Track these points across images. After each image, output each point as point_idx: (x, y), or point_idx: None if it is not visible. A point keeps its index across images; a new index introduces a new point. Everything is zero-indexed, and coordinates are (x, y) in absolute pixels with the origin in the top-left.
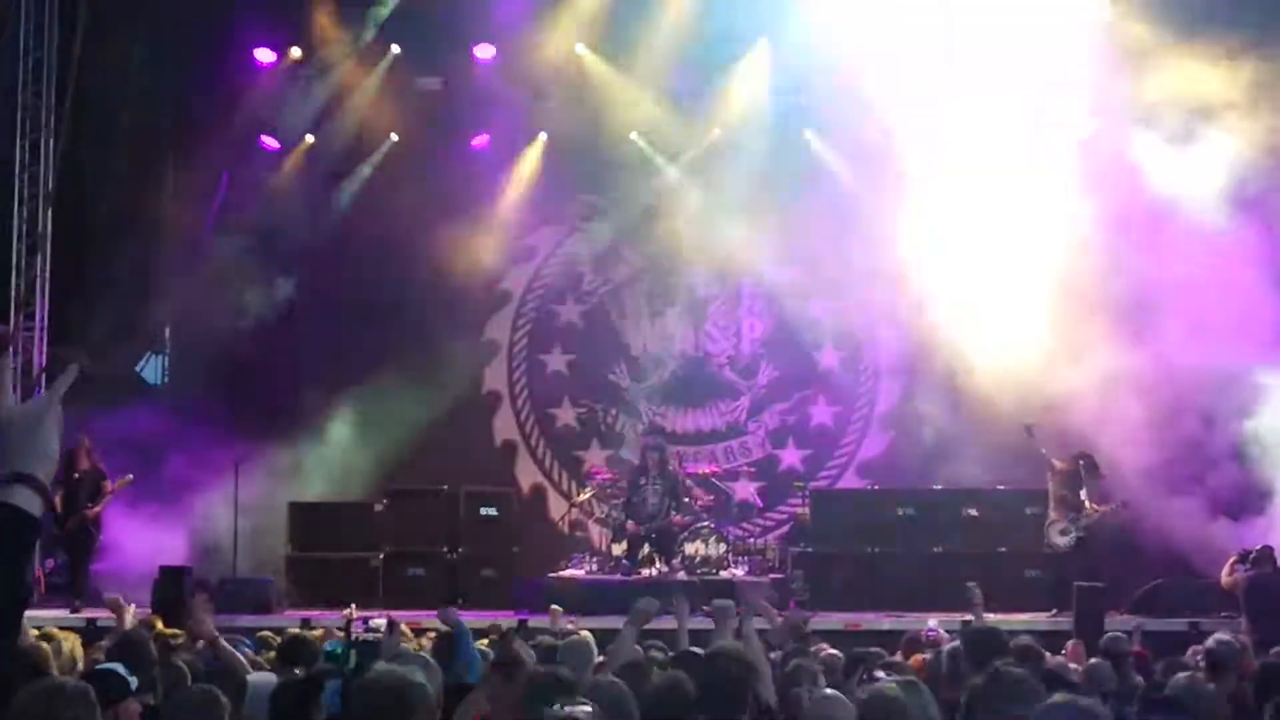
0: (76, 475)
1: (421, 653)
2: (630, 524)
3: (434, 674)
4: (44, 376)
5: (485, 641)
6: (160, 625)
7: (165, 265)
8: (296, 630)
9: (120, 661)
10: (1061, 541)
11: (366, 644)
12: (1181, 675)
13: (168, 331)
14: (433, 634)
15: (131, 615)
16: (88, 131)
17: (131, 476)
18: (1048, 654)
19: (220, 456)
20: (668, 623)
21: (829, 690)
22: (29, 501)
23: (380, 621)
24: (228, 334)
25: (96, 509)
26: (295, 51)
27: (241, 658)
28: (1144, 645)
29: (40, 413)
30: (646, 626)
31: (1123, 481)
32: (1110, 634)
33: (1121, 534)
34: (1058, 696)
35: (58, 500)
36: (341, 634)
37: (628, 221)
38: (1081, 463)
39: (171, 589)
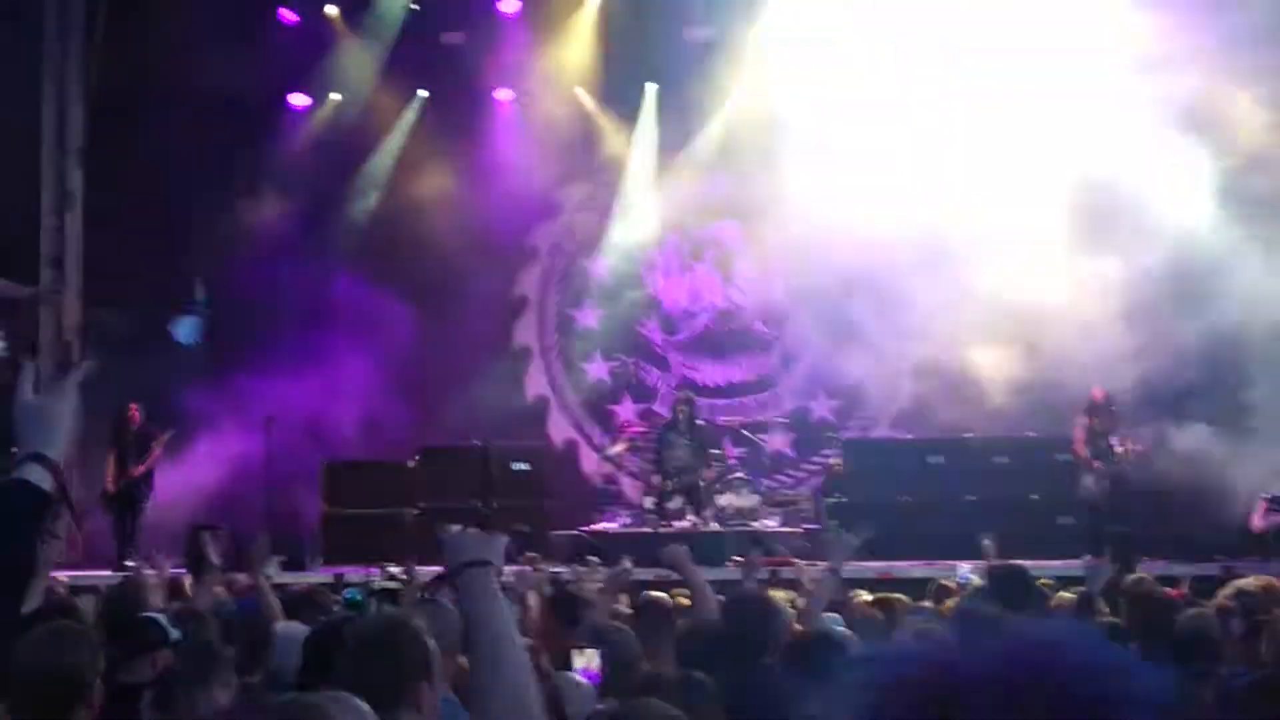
0: (128, 437)
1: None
2: (657, 478)
3: (450, 623)
4: (81, 337)
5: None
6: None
7: (199, 224)
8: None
9: (115, 613)
10: (1096, 488)
11: (385, 592)
12: (1190, 612)
13: (202, 291)
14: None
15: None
16: (116, 91)
17: (171, 432)
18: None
19: (253, 414)
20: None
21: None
22: (41, 478)
23: (398, 570)
24: (262, 292)
25: (141, 468)
26: (330, 10)
27: (276, 606)
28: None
29: (56, 403)
30: (676, 576)
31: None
32: (1134, 576)
33: (1152, 474)
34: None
35: (110, 462)
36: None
37: (654, 175)
38: (1102, 402)
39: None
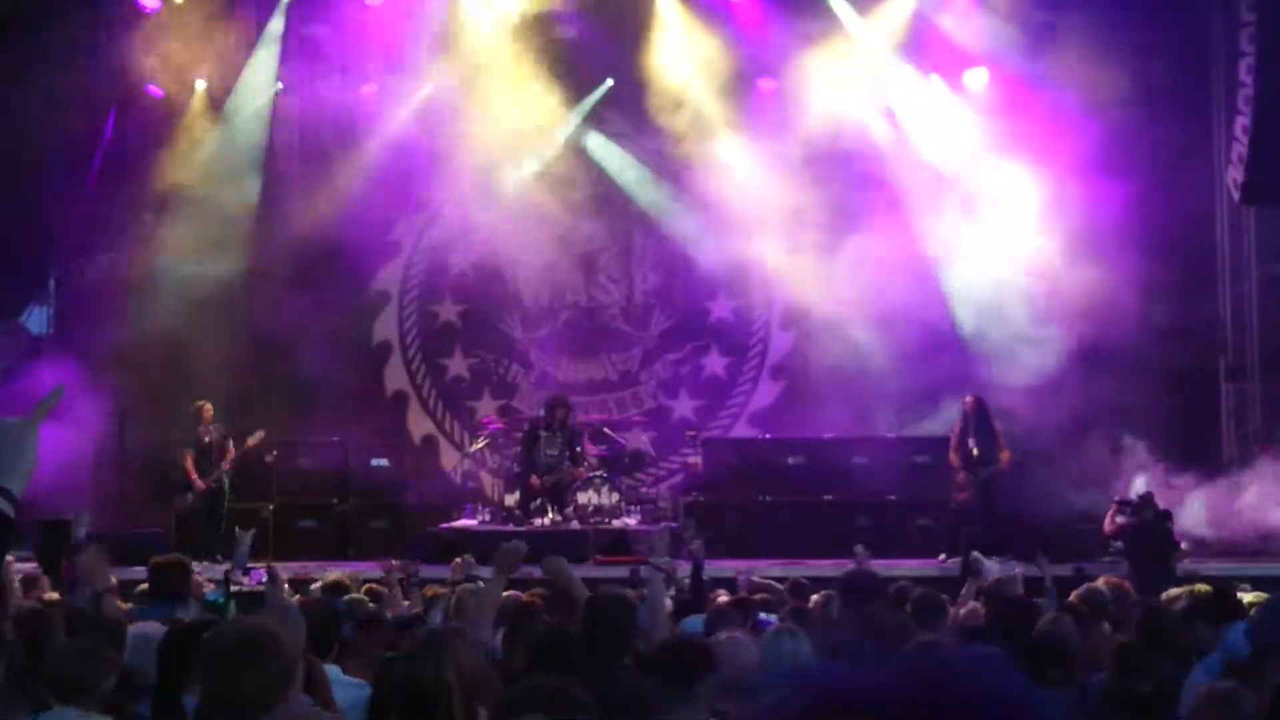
0: (203, 436)
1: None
2: (532, 478)
3: (297, 625)
4: None
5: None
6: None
7: (50, 214)
8: None
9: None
10: (963, 498)
11: (246, 595)
12: (1046, 617)
13: (53, 281)
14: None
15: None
16: None
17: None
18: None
19: (107, 408)
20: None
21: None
22: (4, 506)
23: (261, 573)
24: (114, 284)
25: (228, 464)
26: None
27: (120, 608)
28: (1028, 591)
29: (22, 430)
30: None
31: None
32: (999, 578)
33: (1016, 480)
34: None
35: (188, 458)
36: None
37: (519, 171)
38: (973, 410)
39: (55, 543)
